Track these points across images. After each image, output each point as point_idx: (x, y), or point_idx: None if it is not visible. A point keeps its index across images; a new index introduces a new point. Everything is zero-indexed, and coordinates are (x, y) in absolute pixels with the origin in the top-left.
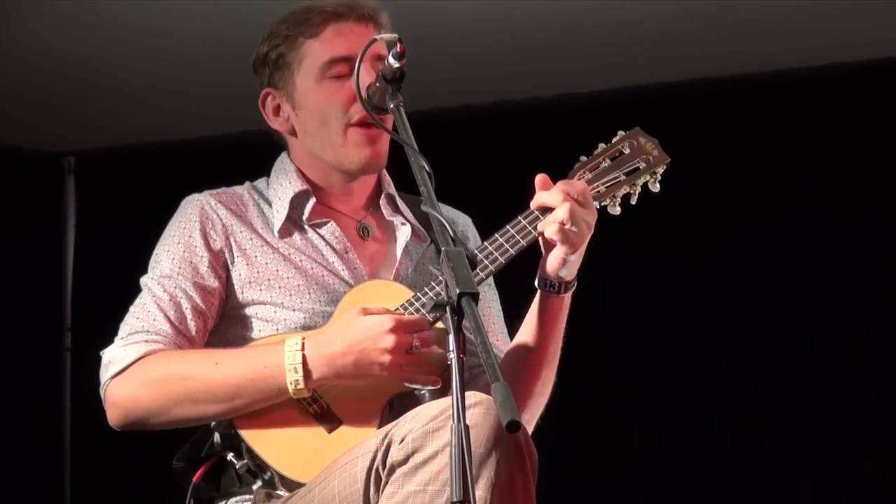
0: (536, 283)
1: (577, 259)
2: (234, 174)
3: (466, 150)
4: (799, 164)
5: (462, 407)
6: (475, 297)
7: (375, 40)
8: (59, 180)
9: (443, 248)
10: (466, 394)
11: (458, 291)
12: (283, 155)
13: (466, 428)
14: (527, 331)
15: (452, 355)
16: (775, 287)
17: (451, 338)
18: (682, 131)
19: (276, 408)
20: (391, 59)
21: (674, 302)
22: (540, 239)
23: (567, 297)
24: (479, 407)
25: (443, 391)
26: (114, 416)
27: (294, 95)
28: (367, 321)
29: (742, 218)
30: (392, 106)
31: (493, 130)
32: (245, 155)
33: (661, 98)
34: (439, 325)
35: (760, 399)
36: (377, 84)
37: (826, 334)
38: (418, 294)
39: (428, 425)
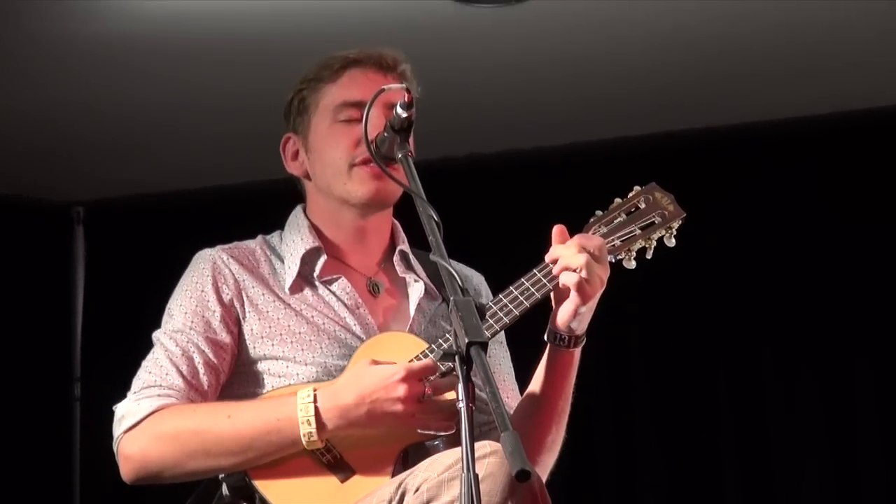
0: (546, 336)
1: (587, 313)
2: (244, 225)
3: (473, 200)
4: (807, 216)
5: (472, 456)
6: (484, 346)
7: (384, 90)
8: (69, 230)
9: (451, 298)
10: (482, 443)
11: (466, 340)
12: (298, 209)
13: (476, 477)
14: (536, 386)
15: (462, 405)
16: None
17: (461, 387)
18: (690, 180)
19: (290, 457)
20: (399, 109)
21: (680, 345)
22: (552, 293)
23: (576, 352)
24: (495, 456)
25: (456, 440)
26: (127, 470)
27: (309, 138)
28: (379, 371)
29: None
30: (400, 155)
31: (501, 180)
32: (255, 206)
33: (671, 147)
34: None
35: (769, 438)
36: (385, 134)
37: (832, 372)
38: (433, 346)
39: (443, 475)
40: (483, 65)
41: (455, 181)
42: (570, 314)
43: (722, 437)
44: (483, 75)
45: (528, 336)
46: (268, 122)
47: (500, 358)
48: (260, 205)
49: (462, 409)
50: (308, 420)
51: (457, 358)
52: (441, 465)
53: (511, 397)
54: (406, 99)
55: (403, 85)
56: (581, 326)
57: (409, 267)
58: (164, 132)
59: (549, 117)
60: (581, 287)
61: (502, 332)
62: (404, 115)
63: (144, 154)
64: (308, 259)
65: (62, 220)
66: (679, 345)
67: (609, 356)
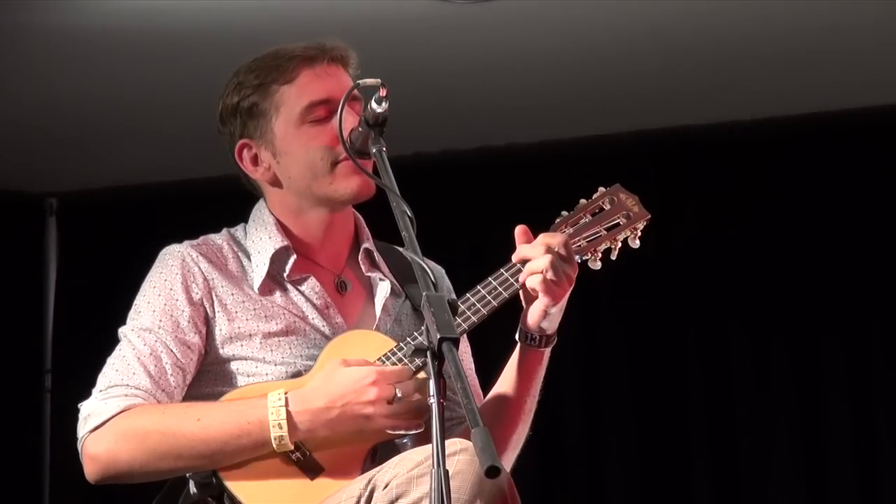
0: (517, 336)
1: (558, 312)
2: (215, 218)
3: (447, 197)
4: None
5: (442, 452)
6: (456, 342)
7: (358, 85)
8: (41, 222)
9: (424, 293)
10: (451, 441)
11: (438, 336)
12: (261, 204)
13: (446, 473)
14: (504, 384)
15: (433, 400)
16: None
17: (431, 382)
18: (662, 175)
19: (261, 457)
20: (374, 104)
21: (650, 330)
22: (521, 292)
23: (546, 352)
24: (465, 454)
25: (424, 437)
26: (92, 470)
27: (274, 143)
28: (350, 374)
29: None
30: (374, 150)
31: (474, 176)
32: (227, 198)
33: (644, 144)
34: (421, 374)
35: (737, 431)
36: (360, 129)
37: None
38: (400, 344)
39: (412, 471)
40: (457, 61)
41: (428, 177)
42: (540, 314)
43: (693, 424)
44: (457, 72)
45: (496, 333)
46: None
47: (461, 352)
48: (231, 199)
49: (433, 405)
50: (279, 423)
51: (428, 353)
52: (410, 462)
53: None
54: (381, 93)
55: (379, 80)
56: (552, 326)
57: (373, 265)
58: (137, 125)
59: (522, 115)
60: (549, 288)
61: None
62: (379, 109)
63: (118, 147)
64: (277, 259)
65: (35, 212)
66: (649, 330)
67: (579, 344)
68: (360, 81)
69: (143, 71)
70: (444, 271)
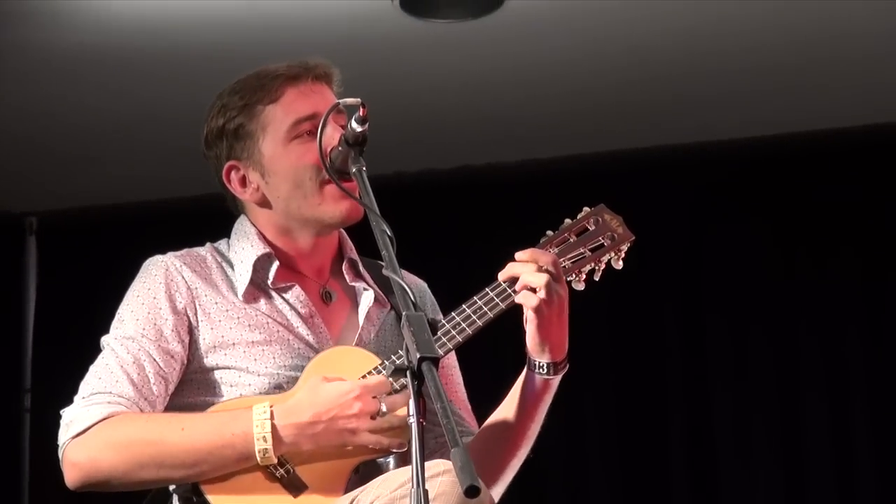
0: (527, 365)
1: (557, 336)
2: (197, 236)
3: (427, 216)
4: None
5: (422, 470)
6: (436, 361)
7: (339, 104)
8: (21, 241)
9: (403, 313)
10: (435, 462)
11: (418, 356)
12: (243, 218)
13: (425, 493)
14: (507, 408)
15: (412, 420)
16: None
17: (411, 402)
18: (645, 197)
19: (243, 471)
20: (354, 124)
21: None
22: (525, 322)
23: (553, 381)
24: (448, 475)
25: (409, 456)
26: (73, 477)
27: (262, 163)
28: (335, 388)
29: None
30: (354, 170)
31: (454, 196)
32: (207, 217)
33: (625, 165)
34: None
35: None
36: (340, 148)
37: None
38: (385, 361)
39: (396, 492)
40: (437, 81)
41: (408, 196)
42: (534, 335)
43: (673, 431)
44: (437, 91)
45: (485, 357)
46: None
47: (452, 370)
48: (211, 217)
49: (413, 424)
50: (264, 436)
51: (408, 373)
52: (394, 483)
53: (463, 409)
54: (361, 113)
55: (359, 100)
56: (554, 352)
57: (357, 275)
58: (117, 144)
59: (502, 134)
60: (539, 308)
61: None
62: (359, 129)
63: (98, 165)
64: (260, 266)
65: (15, 230)
66: (631, 334)
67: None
68: (340, 101)
69: (124, 90)
70: (426, 286)
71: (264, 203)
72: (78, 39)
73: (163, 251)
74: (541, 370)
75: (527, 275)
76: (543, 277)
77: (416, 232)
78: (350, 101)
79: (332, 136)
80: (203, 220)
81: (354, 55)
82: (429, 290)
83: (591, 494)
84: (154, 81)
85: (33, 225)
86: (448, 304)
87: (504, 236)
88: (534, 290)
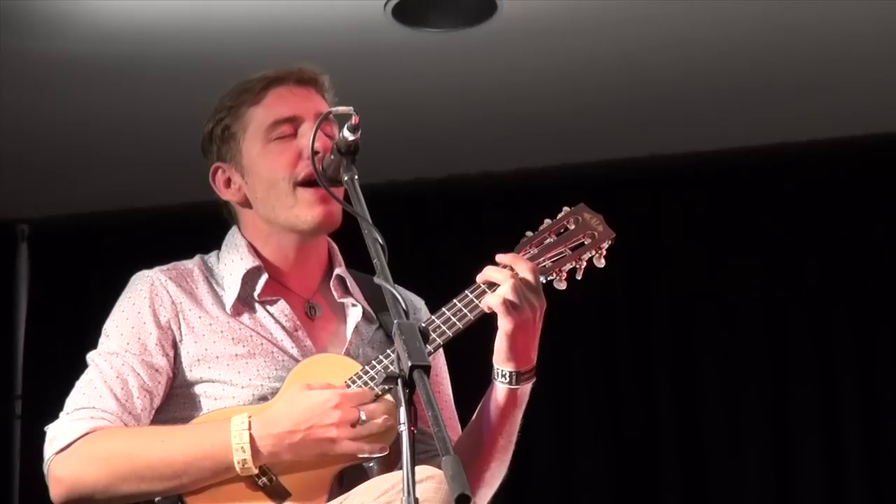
0: (493, 374)
1: (524, 345)
2: (189, 244)
3: (419, 225)
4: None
5: (412, 480)
6: (427, 369)
7: (331, 112)
8: (13, 248)
9: (395, 321)
10: (420, 468)
11: (409, 364)
12: (234, 229)
13: (416, 501)
14: (477, 421)
15: (403, 428)
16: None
17: (402, 410)
18: (633, 208)
19: (226, 481)
20: (346, 132)
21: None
22: (499, 332)
23: (520, 391)
24: (432, 481)
25: (392, 463)
26: (57, 492)
27: (242, 163)
28: (313, 397)
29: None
30: (346, 178)
31: (446, 204)
32: (200, 225)
33: (621, 174)
34: (387, 397)
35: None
36: (331, 156)
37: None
38: (366, 367)
39: (379, 499)
40: (430, 90)
41: (400, 205)
42: (504, 341)
43: (663, 433)
44: (430, 100)
45: (473, 360)
46: None
47: (439, 376)
48: (205, 225)
49: (403, 433)
50: (242, 447)
51: (399, 381)
52: (378, 490)
53: (447, 413)
54: (353, 121)
55: (351, 108)
56: (520, 361)
57: (346, 291)
58: (110, 151)
59: (495, 143)
60: (508, 310)
61: (442, 356)
62: (351, 137)
63: (90, 173)
64: (248, 279)
65: (6, 237)
66: (620, 342)
67: (550, 360)
68: (333, 109)
69: (116, 98)
70: (423, 303)
71: (245, 203)
72: (71, 47)
73: (154, 258)
74: (503, 379)
75: (495, 275)
76: (511, 282)
77: (408, 240)
78: (342, 109)
79: (322, 138)
80: (195, 228)
81: (346, 64)
82: (425, 308)
83: (579, 487)
84: (147, 89)
85: (25, 232)
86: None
87: (496, 245)
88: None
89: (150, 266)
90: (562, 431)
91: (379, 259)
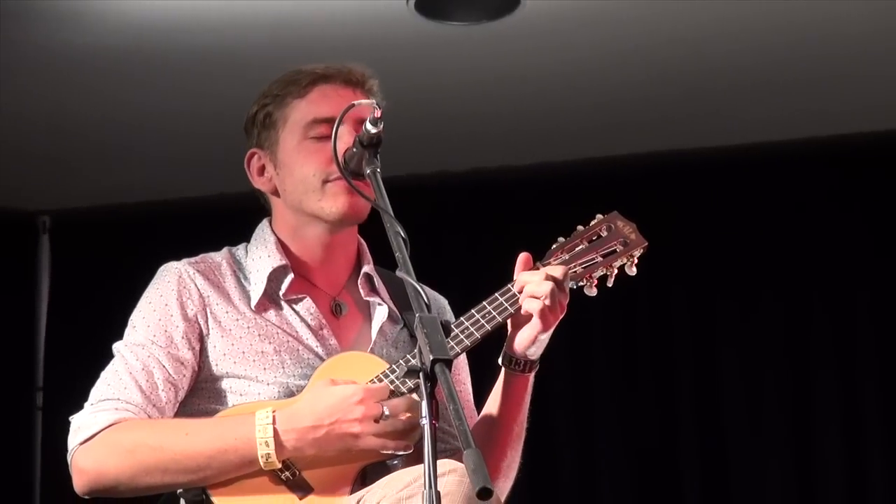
0: (501, 360)
1: (546, 339)
2: (211, 236)
3: (441, 218)
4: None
5: (434, 473)
6: (448, 363)
7: (353, 105)
8: (34, 239)
9: (417, 315)
10: (441, 461)
11: (431, 358)
12: (264, 223)
13: (438, 494)
14: (490, 411)
15: (425, 421)
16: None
17: (424, 404)
18: (657, 199)
19: (249, 474)
20: (368, 125)
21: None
22: (525, 329)
23: (531, 378)
24: (454, 475)
25: (415, 458)
26: (80, 483)
27: (277, 154)
28: (337, 392)
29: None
30: (368, 171)
31: (469, 197)
32: (222, 217)
33: (644, 168)
34: (413, 395)
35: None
36: (354, 149)
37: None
38: (392, 366)
39: (401, 492)
40: (451, 82)
41: (423, 198)
42: (530, 340)
43: (683, 443)
44: (452, 93)
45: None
46: (235, 135)
47: (462, 378)
48: (226, 217)
49: (425, 427)
50: (266, 441)
51: (421, 375)
52: (400, 483)
53: (470, 417)
54: (376, 114)
55: (373, 100)
56: (537, 352)
57: (373, 289)
58: (131, 143)
59: (516, 137)
60: (543, 314)
61: (465, 357)
62: (373, 130)
63: (111, 165)
64: (275, 277)
65: (28, 229)
66: (641, 347)
67: (570, 358)
68: (355, 102)
69: (139, 90)
70: (446, 302)
71: (275, 193)
72: (93, 40)
73: (175, 250)
74: (516, 367)
75: (535, 284)
76: (549, 286)
77: (429, 234)
78: (364, 102)
79: (346, 138)
80: (215, 220)
81: (368, 57)
82: (448, 308)
83: (600, 489)
84: (168, 81)
85: (46, 223)
86: (459, 305)
87: (517, 239)
88: (539, 299)
89: (170, 258)
90: (583, 433)
91: (401, 252)
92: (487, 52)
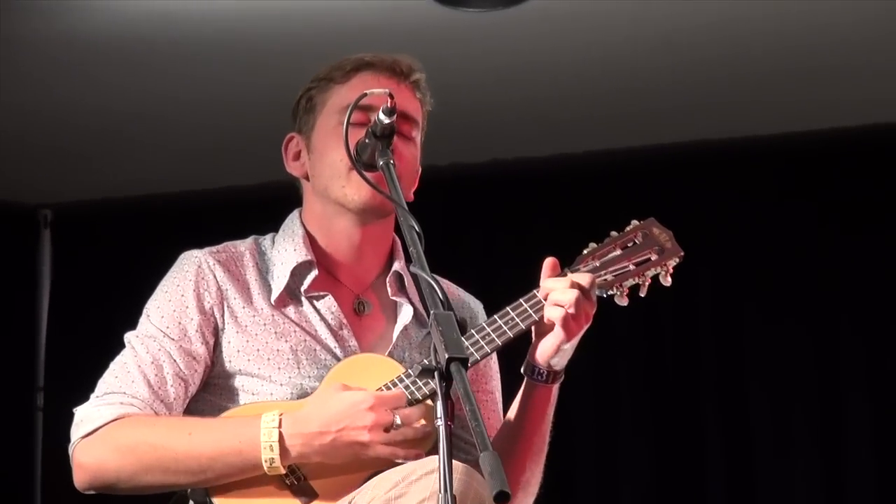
0: (523, 370)
1: (570, 349)
2: (213, 230)
3: (456, 210)
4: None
5: (450, 475)
6: (465, 362)
7: (365, 94)
8: (35, 234)
9: (432, 311)
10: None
11: (446, 356)
12: (295, 214)
13: (454, 498)
14: (512, 422)
15: (440, 422)
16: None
17: (439, 404)
18: (672, 191)
19: (253, 478)
20: (381, 115)
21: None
22: (534, 325)
23: (554, 389)
24: (459, 474)
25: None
26: (80, 478)
27: (312, 138)
28: (347, 398)
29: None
30: (381, 163)
31: (484, 190)
32: (223, 210)
33: (662, 160)
34: (428, 402)
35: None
36: (367, 140)
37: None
38: (409, 371)
39: (390, 492)
40: (468, 71)
41: (437, 191)
42: (553, 349)
43: (709, 448)
44: (468, 82)
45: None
46: (241, 127)
47: (491, 388)
48: (228, 211)
49: (441, 428)
50: (270, 445)
51: (436, 374)
52: (388, 482)
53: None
54: (389, 104)
55: (386, 90)
56: (561, 362)
57: (401, 289)
58: (133, 137)
59: (533, 128)
60: (567, 323)
61: (496, 364)
62: (386, 121)
63: (113, 158)
64: (298, 272)
65: (29, 223)
66: (665, 353)
67: (594, 366)
68: (368, 91)
69: (140, 82)
70: (481, 307)
71: (307, 178)
72: (96, 31)
73: (178, 244)
74: (539, 377)
75: (559, 291)
76: (574, 294)
77: (445, 226)
78: (377, 91)
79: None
80: (219, 213)
81: (385, 44)
82: (483, 312)
83: (625, 496)
84: (172, 74)
85: (48, 218)
86: (476, 298)
87: (534, 231)
88: (563, 307)
89: (174, 252)
90: (606, 443)
91: (415, 247)
92: (504, 40)
